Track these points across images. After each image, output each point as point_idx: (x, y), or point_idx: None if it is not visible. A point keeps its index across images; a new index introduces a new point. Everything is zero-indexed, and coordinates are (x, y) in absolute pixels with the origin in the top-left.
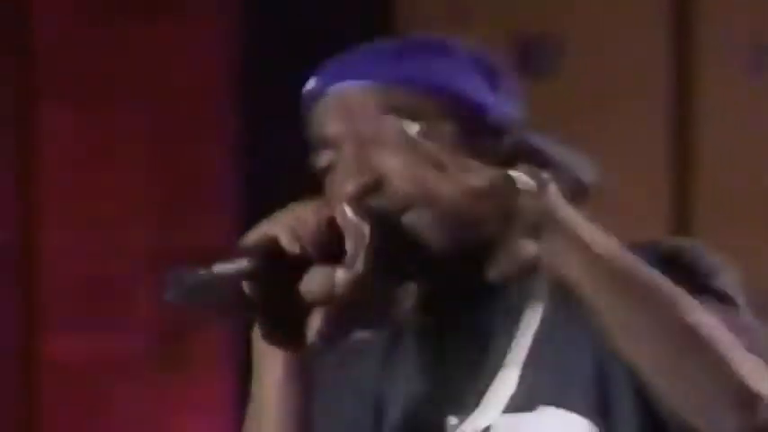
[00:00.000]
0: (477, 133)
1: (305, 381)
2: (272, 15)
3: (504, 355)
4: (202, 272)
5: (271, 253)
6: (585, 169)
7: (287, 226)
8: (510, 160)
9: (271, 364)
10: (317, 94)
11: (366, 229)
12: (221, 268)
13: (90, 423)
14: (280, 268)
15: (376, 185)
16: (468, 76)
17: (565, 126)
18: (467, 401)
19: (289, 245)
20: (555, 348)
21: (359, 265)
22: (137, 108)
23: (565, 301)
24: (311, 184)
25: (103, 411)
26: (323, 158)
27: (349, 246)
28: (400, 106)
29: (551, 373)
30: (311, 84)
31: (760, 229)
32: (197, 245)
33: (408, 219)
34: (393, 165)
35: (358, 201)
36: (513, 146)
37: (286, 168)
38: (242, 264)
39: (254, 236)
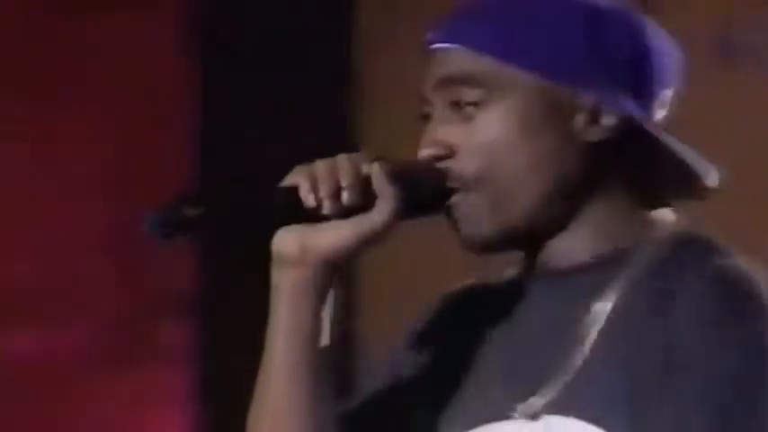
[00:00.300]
0: (566, 110)
1: (312, 331)
2: (233, 8)
3: (564, 349)
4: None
5: (290, 200)
6: (706, 169)
7: (312, 176)
8: (609, 143)
9: (279, 316)
10: (428, 50)
11: (395, 196)
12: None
13: (45, 419)
14: (297, 215)
15: (446, 157)
16: (571, 47)
17: None
18: (523, 385)
19: (305, 196)
20: (606, 353)
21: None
22: (91, 100)
23: (633, 300)
24: (268, 176)
25: (57, 407)
26: (423, 111)
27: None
28: (478, 74)
29: (592, 381)
30: (427, 37)
31: (728, 226)
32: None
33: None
34: (461, 140)
35: (419, 168)
36: (614, 129)
37: (243, 160)
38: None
39: (286, 180)
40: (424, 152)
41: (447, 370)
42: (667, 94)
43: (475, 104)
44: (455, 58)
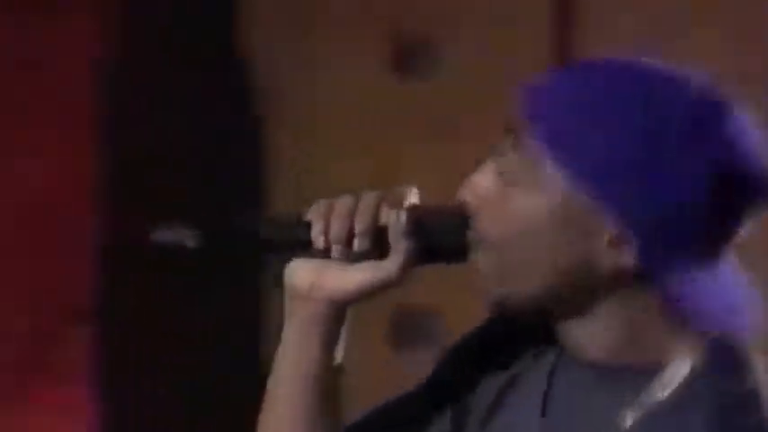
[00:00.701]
0: (591, 226)
1: (317, 365)
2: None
3: None
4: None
5: (300, 238)
6: (752, 306)
7: (328, 216)
8: (627, 277)
9: (287, 345)
10: None
11: (408, 250)
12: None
13: None
14: (308, 252)
15: (478, 208)
16: (618, 172)
17: (446, 129)
18: None
19: (315, 237)
20: None
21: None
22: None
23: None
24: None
25: None
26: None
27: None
28: (528, 148)
29: None
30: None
31: None
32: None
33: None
34: (494, 199)
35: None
36: (637, 265)
37: (153, 168)
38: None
39: (308, 212)
40: (461, 195)
41: (477, 397)
42: (728, 228)
43: (516, 173)
44: (522, 123)
